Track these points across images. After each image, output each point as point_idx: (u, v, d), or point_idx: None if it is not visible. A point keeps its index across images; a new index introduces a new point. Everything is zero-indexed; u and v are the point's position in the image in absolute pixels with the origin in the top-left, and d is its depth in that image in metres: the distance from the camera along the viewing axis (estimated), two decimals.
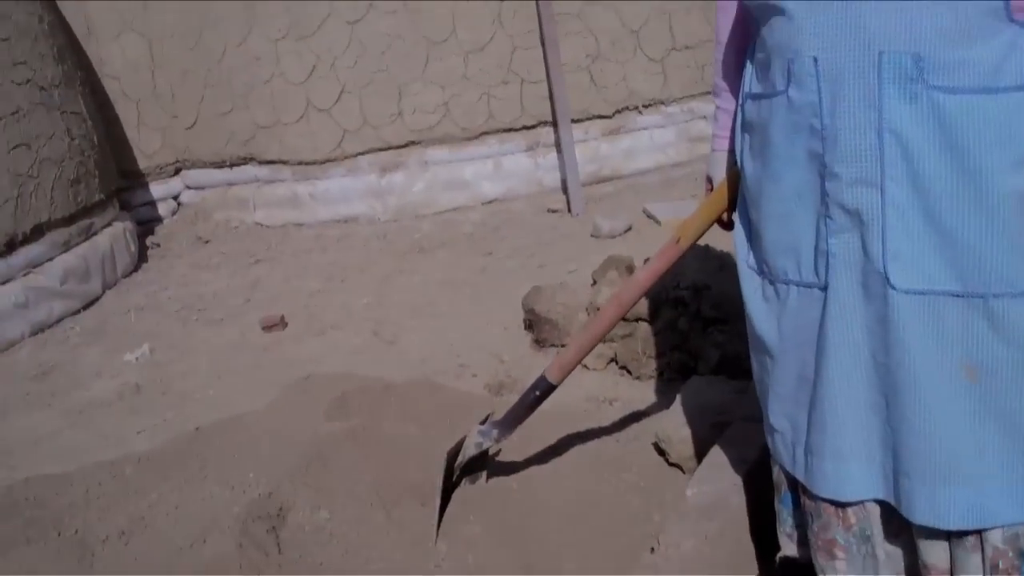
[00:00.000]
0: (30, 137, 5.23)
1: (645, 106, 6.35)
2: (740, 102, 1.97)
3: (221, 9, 6.42)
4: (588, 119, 6.31)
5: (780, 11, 1.74)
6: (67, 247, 5.38)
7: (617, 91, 6.30)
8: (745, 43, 1.99)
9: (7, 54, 5.26)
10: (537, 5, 6.10)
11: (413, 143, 6.27)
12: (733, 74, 2.07)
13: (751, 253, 1.99)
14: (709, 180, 2.26)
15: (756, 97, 1.88)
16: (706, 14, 6.18)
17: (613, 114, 6.34)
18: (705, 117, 6.33)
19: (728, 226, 2.24)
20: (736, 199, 2.10)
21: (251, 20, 6.34)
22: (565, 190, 6.14)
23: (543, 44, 6.13)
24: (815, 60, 1.69)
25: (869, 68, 1.64)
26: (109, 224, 5.90)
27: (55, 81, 5.60)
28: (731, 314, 3.49)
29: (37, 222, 5.16)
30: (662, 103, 6.38)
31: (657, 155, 6.40)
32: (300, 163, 6.37)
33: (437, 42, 6.19)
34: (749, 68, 1.93)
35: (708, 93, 6.33)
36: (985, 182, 1.59)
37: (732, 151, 2.11)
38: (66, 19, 6.38)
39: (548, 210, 6.05)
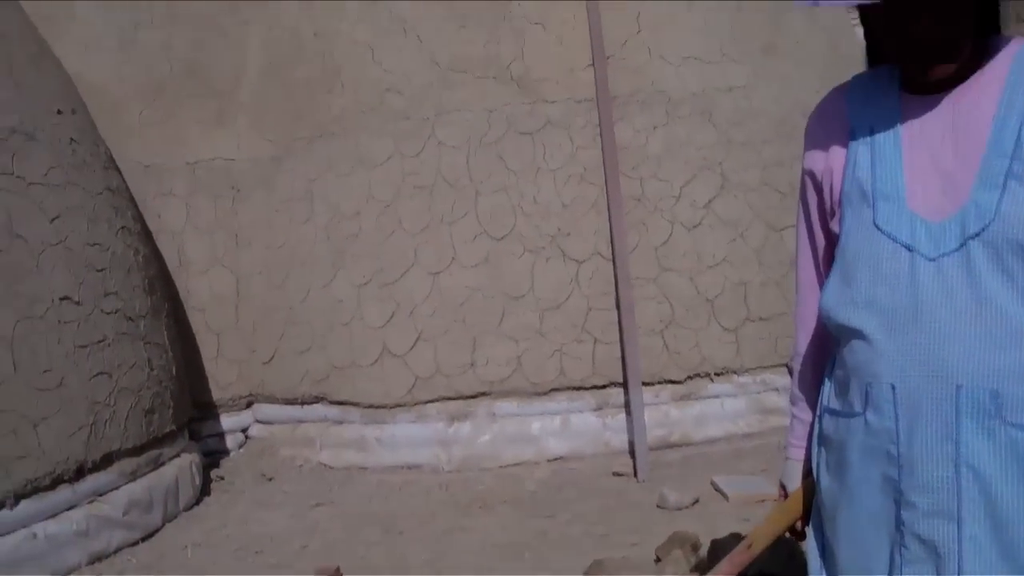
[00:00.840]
0: (112, 366, 5.36)
1: (717, 374, 6.36)
2: (818, 413, 1.97)
3: (310, 252, 6.67)
4: (659, 383, 6.31)
5: (860, 334, 1.76)
6: (134, 477, 5.42)
7: (690, 357, 6.33)
8: (824, 357, 2.00)
9: (101, 284, 5.46)
10: (614, 269, 6.24)
11: (483, 394, 6.32)
12: (810, 385, 2.07)
13: (823, 570, 1.96)
14: (783, 487, 2.22)
15: (834, 413, 1.88)
16: (781, 288, 6.26)
17: (685, 380, 6.35)
18: (778, 389, 6.31)
19: (801, 536, 2.18)
20: (810, 509, 2.06)
21: (338, 264, 6.57)
22: (632, 454, 6.08)
23: (618, 306, 6.22)
24: (893, 387, 1.70)
25: (947, 400, 1.65)
26: (177, 455, 5.95)
27: (142, 311, 5.78)
28: None
29: (108, 451, 5.22)
30: (735, 372, 6.38)
31: (727, 424, 6.35)
32: (370, 406, 6.42)
33: (514, 297, 6.33)
34: (828, 383, 1.93)
35: (782, 365, 6.33)
36: None
37: (807, 460, 2.10)
38: (160, 251, 6.66)
39: (613, 473, 5.98)
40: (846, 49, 7.17)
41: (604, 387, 6.32)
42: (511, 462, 6.25)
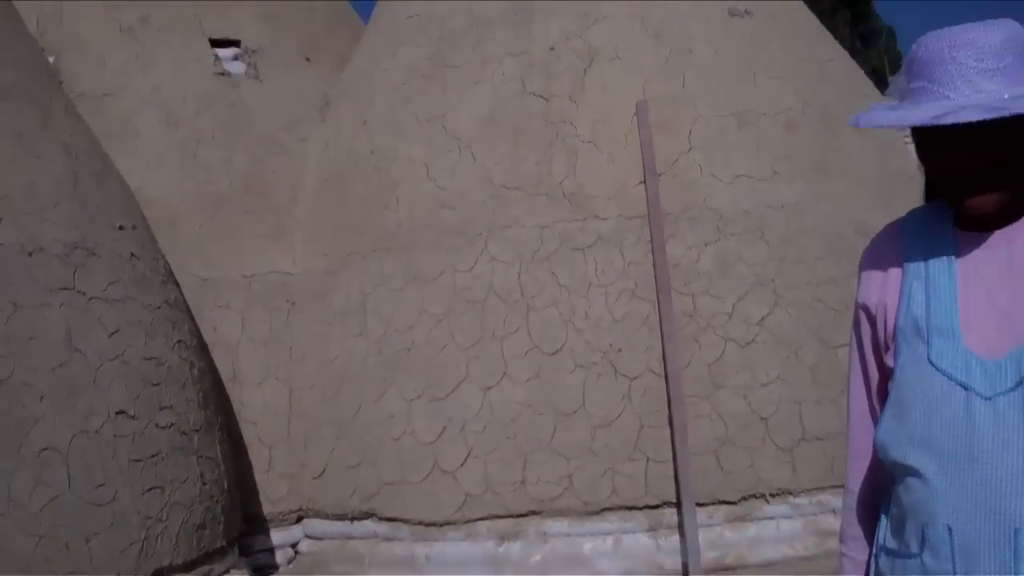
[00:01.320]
0: (164, 481, 5.37)
1: (772, 495, 6.24)
2: (874, 552, 1.92)
3: (363, 366, 6.72)
4: (713, 504, 6.21)
5: (916, 473, 1.73)
6: None
7: (744, 478, 6.23)
8: (877, 494, 1.97)
9: (156, 399, 5.52)
10: (667, 386, 6.21)
11: (534, 512, 6.24)
12: (863, 522, 2.02)
13: None
14: None
15: (890, 553, 1.84)
16: (837, 407, 6.17)
17: (739, 500, 6.25)
18: (834, 511, 6.16)
19: None
20: None
21: (390, 379, 6.59)
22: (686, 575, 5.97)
23: (671, 424, 6.17)
24: (950, 528, 1.67)
25: (1005, 543, 1.61)
26: (227, 571, 5.91)
27: (196, 426, 5.82)
28: None
29: (159, 566, 5.20)
30: (790, 493, 6.26)
31: (783, 547, 6.21)
32: (420, 523, 6.37)
33: (566, 414, 6.30)
34: (884, 520, 1.90)
35: (839, 486, 6.19)
36: None
37: None
38: (215, 364, 6.74)
39: None
40: (898, 167, 7.19)
41: (657, 507, 6.22)
42: None
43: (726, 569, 6.15)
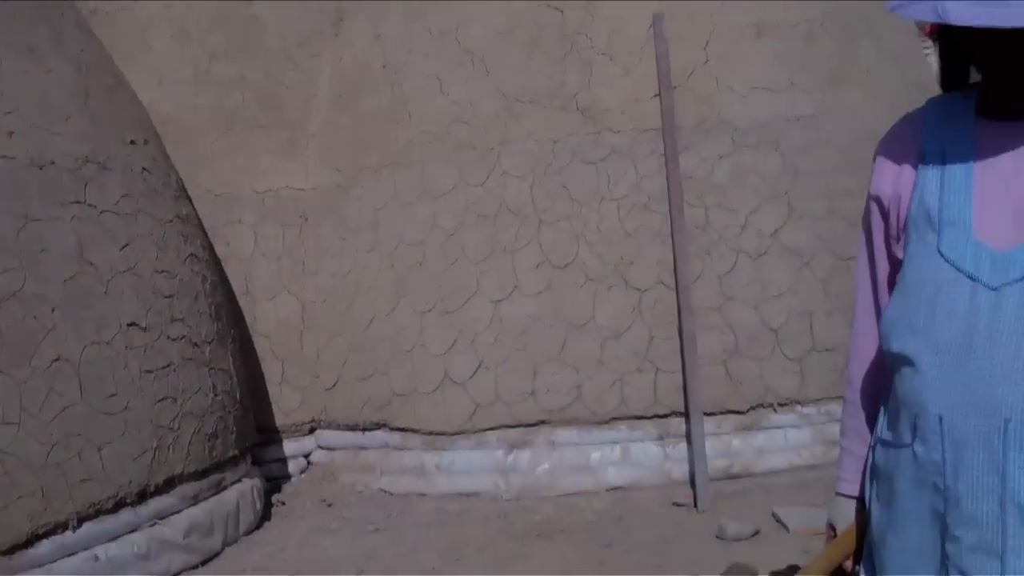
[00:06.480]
0: (176, 391, 5.44)
1: (781, 405, 6.24)
2: (872, 445, 1.92)
3: (375, 280, 6.74)
4: (721, 413, 6.22)
5: (912, 362, 1.73)
6: (195, 501, 5.48)
7: (753, 388, 6.22)
8: (879, 388, 1.95)
9: (168, 311, 5.57)
10: (677, 298, 6.18)
11: (543, 422, 6.29)
12: (863, 416, 2.00)
13: None
14: (831, 526, 2.09)
15: (886, 444, 1.84)
16: (848, 318, 6.10)
17: (747, 410, 6.24)
18: None
19: None
20: (862, 548, 1.99)
21: (401, 292, 6.62)
22: (693, 484, 5.98)
23: (681, 336, 6.16)
24: (940, 419, 1.66)
25: (994, 434, 1.61)
26: (239, 480, 6.02)
27: (208, 338, 5.88)
28: None
29: (170, 474, 5.30)
30: (798, 403, 6.25)
31: (791, 455, 6.22)
32: (431, 433, 6.44)
33: (576, 326, 6.30)
34: (882, 413, 1.89)
35: None
36: None
37: (859, 497, 2.01)
38: (228, 278, 6.78)
39: (673, 503, 5.89)
40: (916, 79, 7.05)
41: (665, 417, 6.24)
42: (570, 491, 6.19)
43: (733, 477, 6.17)
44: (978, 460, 1.62)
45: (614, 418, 6.24)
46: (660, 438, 6.24)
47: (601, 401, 6.23)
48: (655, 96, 6.60)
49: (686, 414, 6.18)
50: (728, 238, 6.39)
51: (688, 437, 6.18)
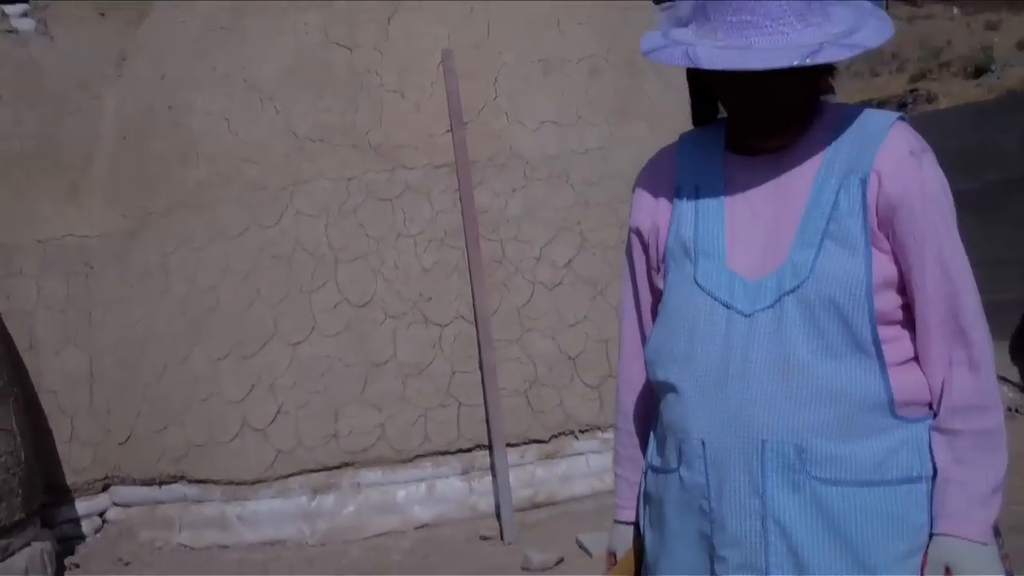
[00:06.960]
0: None
1: (582, 431, 6.35)
2: (644, 471, 1.96)
3: (167, 328, 6.52)
4: (524, 443, 6.28)
5: (675, 389, 1.77)
6: None
7: (554, 416, 6.31)
8: (649, 416, 1.98)
9: None
10: (477, 332, 6.22)
11: (347, 464, 6.20)
12: (635, 444, 2.04)
13: None
14: (611, 553, 2.11)
15: (656, 470, 1.88)
16: None
17: (550, 439, 6.33)
18: None
19: None
20: (640, 573, 2.02)
21: (194, 339, 6.43)
22: (499, 516, 6.00)
23: (481, 368, 6.19)
24: (703, 443, 1.71)
25: (753, 455, 1.66)
26: (27, 544, 5.73)
27: None
28: None
29: None
30: (599, 428, 6.37)
31: (593, 481, 6.32)
32: (231, 483, 6.25)
33: (377, 364, 6.25)
34: (652, 439, 1.93)
35: None
36: (871, 574, 1.61)
37: (636, 523, 2.03)
38: (9, 334, 6.43)
39: (480, 537, 5.90)
40: None
41: (470, 450, 6.26)
42: (376, 532, 6.12)
43: (538, 506, 6.23)
44: (740, 482, 1.67)
45: (418, 455, 6.21)
46: (465, 472, 6.25)
47: (405, 439, 6.20)
48: (447, 132, 6.64)
49: (490, 446, 6.21)
50: (524, 270, 6.47)
51: (492, 469, 6.20)
